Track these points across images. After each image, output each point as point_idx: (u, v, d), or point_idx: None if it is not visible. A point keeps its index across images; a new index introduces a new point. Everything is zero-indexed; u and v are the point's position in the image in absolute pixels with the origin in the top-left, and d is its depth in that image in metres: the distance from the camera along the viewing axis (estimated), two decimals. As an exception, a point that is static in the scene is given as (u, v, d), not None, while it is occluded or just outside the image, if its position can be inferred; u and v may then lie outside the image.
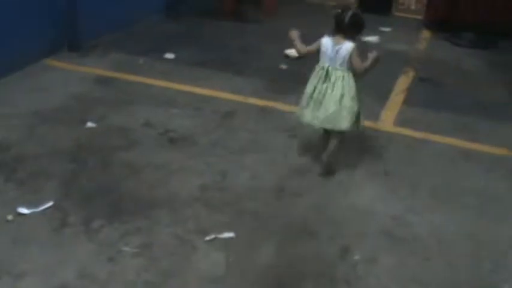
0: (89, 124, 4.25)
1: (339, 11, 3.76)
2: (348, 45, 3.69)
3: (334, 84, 3.73)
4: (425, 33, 7.43)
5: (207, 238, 3.09)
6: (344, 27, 3.69)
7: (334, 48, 3.72)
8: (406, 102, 5.07)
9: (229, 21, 7.08)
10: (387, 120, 4.69)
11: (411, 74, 5.73)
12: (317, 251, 3.09)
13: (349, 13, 3.70)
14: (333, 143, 3.84)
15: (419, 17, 7.93)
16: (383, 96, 5.07)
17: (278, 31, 6.76)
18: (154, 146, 4.05)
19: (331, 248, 3.11)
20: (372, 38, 6.67)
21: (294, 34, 3.94)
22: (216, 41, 6.38)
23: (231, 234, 3.13)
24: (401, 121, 4.69)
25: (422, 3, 8.17)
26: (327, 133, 3.91)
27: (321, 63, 3.82)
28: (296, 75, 5.40)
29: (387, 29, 7.27)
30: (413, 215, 3.44)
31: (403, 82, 5.48)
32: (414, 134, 4.46)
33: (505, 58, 6.69)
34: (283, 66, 5.68)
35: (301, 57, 5.40)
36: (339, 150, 3.86)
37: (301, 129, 4.24)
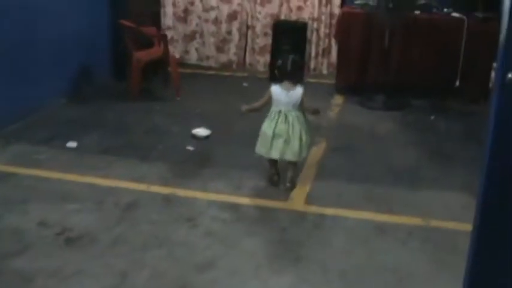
0: (-20, 229, 3.94)
1: (280, 61, 4.49)
2: (298, 90, 4.40)
3: (292, 124, 4.37)
4: (338, 99, 7.39)
5: None
6: (289, 74, 4.40)
7: (287, 94, 4.39)
8: (318, 176, 4.93)
9: (136, 101, 6.86)
10: (298, 198, 4.52)
11: (323, 144, 5.61)
12: None
13: (289, 60, 4.41)
14: (292, 168, 4.61)
15: (332, 82, 7.86)
16: (294, 172, 4.91)
17: (186, 109, 6.67)
18: (49, 248, 3.74)
19: None
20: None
21: (244, 108, 4.64)
22: (121, 124, 6.15)
23: None
24: (312, 198, 4.53)
25: (334, 66, 8.16)
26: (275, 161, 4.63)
27: (275, 108, 4.43)
28: (202, 157, 5.24)
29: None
30: (326, 303, 3.25)
31: (314, 154, 5.31)
32: (326, 211, 4.29)
33: (418, 118, 6.70)
34: (190, 148, 5.46)
35: (208, 136, 5.33)
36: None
37: (204, 217, 4.09)
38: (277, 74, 4.52)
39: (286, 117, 4.40)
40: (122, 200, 4.38)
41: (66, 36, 6.68)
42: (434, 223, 4.15)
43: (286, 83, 4.43)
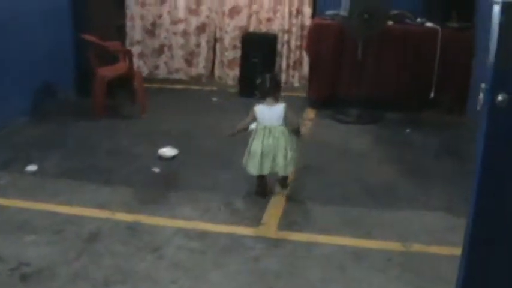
0: None
1: (259, 80, 4.56)
2: (281, 106, 4.50)
3: (278, 139, 4.44)
4: (310, 112, 7.18)
5: None
6: (269, 91, 4.50)
7: (270, 109, 4.48)
8: (291, 198, 4.69)
9: (101, 119, 6.57)
10: (270, 223, 4.26)
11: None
12: None
13: (268, 78, 4.58)
14: (283, 177, 4.72)
15: (304, 95, 7.65)
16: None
17: (152, 127, 6.39)
18: (3, 286, 3.46)
19: None
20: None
21: (230, 133, 4.70)
22: (84, 145, 5.85)
23: None
24: (285, 223, 4.27)
25: (306, 79, 7.95)
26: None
27: (261, 125, 4.49)
28: (169, 179, 4.98)
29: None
30: None
31: (287, 174, 5.07)
32: (300, 237, 4.04)
33: (393, 131, 6.52)
34: (156, 170, 5.18)
35: (175, 157, 5.07)
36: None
37: (171, 247, 3.84)
38: (258, 94, 4.59)
39: (270, 132, 4.45)
40: (84, 230, 4.08)
41: (27, 52, 6.41)
42: (415, 247, 3.93)
43: (268, 100, 4.52)
